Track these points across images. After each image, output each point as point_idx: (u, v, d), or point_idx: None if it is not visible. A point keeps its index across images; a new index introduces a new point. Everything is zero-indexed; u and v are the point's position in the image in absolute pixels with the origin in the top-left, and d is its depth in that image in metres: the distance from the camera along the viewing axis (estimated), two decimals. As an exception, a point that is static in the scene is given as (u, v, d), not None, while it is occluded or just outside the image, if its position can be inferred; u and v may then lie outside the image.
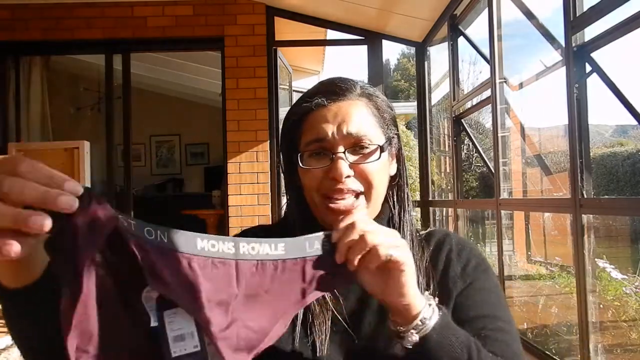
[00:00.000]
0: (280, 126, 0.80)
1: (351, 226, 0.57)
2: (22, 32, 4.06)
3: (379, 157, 0.72)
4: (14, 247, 0.42)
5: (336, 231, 0.58)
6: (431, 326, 0.58)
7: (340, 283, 0.60)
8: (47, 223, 0.42)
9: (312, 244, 0.59)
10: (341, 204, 0.71)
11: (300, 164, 0.73)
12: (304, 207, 0.76)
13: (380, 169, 0.73)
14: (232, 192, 4.05)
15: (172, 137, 7.45)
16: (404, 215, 0.78)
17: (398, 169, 0.80)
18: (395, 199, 0.79)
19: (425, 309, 0.59)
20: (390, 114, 0.78)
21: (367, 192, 0.72)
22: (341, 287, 0.58)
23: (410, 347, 0.59)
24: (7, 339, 2.64)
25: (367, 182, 0.72)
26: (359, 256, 0.56)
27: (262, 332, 0.55)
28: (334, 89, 0.74)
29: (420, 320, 0.58)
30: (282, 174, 0.83)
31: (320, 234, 0.59)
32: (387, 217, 0.79)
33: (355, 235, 0.57)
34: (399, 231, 0.77)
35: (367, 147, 0.71)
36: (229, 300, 0.54)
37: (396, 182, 0.79)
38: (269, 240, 0.57)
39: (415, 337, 0.58)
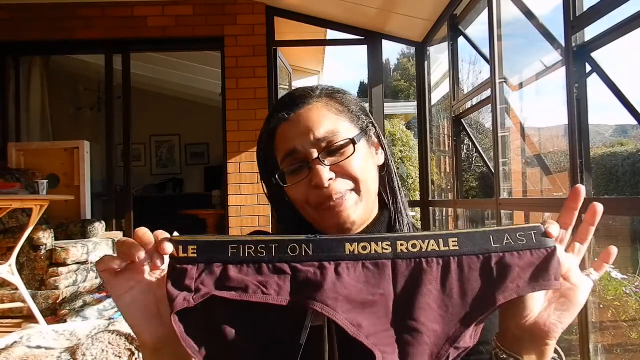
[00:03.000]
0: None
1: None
2: (22, 32, 4.06)
3: (354, 151, 0.69)
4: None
5: (552, 223, 0.53)
6: None
7: (538, 283, 0.51)
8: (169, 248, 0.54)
9: (499, 238, 0.52)
10: (333, 202, 0.68)
11: (282, 183, 0.71)
12: (302, 222, 0.74)
13: (363, 161, 0.71)
14: (232, 192, 4.05)
15: (172, 137, 7.45)
16: (397, 206, 0.75)
17: (385, 157, 0.78)
18: (388, 190, 0.77)
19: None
20: (358, 106, 0.75)
21: (357, 188, 0.70)
22: (538, 289, 0.51)
23: None
24: (7, 339, 2.63)
25: (353, 178, 0.69)
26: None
27: (436, 335, 0.51)
28: (292, 100, 0.73)
29: None
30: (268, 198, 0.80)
31: (513, 227, 0.53)
32: (388, 211, 0.76)
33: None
34: (397, 223, 0.74)
35: (340, 145, 0.69)
36: (382, 302, 0.52)
37: (385, 172, 0.77)
38: (435, 235, 0.53)
39: None
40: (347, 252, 0.53)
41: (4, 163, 3.91)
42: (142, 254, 0.53)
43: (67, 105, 6.26)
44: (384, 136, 0.79)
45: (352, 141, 0.69)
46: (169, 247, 0.53)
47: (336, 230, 0.70)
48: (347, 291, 0.51)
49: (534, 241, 0.52)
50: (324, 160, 0.68)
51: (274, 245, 0.53)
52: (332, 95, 0.74)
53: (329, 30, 4.35)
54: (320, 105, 0.72)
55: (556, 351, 0.57)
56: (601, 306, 3.05)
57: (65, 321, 2.90)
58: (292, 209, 0.75)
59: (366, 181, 0.70)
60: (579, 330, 1.97)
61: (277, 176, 0.71)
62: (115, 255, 0.55)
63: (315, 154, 0.68)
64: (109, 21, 4.08)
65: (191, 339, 0.52)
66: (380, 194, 0.77)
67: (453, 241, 0.53)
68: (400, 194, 0.77)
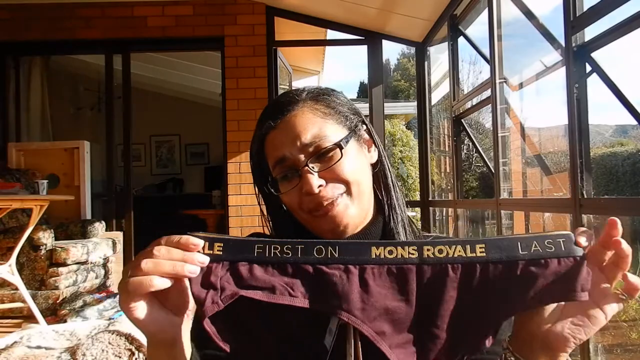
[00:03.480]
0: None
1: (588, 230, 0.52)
2: (22, 32, 4.06)
3: (342, 155, 0.68)
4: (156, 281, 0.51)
5: (583, 232, 0.52)
6: None
7: (564, 293, 0.50)
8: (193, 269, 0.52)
9: (527, 245, 0.51)
10: (325, 210, 0.69)
11: (275, 191, 0.71)
12: (297, 226, 0.75)
13: (353, 162, 0.70)
14: (232, 192, 4.05)
15: (172, 137, 7.45)
16: (390, 202, 0.75)
17: (378, 153, 0.77)
18: (382, 186, 0.76)
19: None
20: (345, 106, 0.75)
21: (348, 190, 0.70)
22: (563, 300, 0.50)
23: None
24: (7, 339, 2.63)
25: (344, 181, 0.69)
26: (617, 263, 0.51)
27: (454, 341, 0.51)
28: (277, 107, 0.72)
29: None
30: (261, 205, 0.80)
31: (542, 234, 0.52)
32: (381, 216, 0.76)
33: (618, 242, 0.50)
34: (391, 219, 0.74)
35: (328, 150, 0.69)
36: (406, 308, 0.52)
37: (378, 169, 0.77)
38: (462, 241, 0.53)
39: None
40: (374, 256, 0.52)
41: (4, 163, 3.91)
42: (186, 268, 0.52)
43: (67, 105, 6.26)
44: (380, 134, 0.79)
45: (339, 145, 0.68)
46: (199, 242, 0.52)
47: (331, 234, 0.70)
48: (373, 299, 0.51)
49: (563, 249, 0.51)
50: (312, 167, 0.68)
51: (300, 246, 0.53)
52: (318, 97, 0.73)
53: (329, 30, 4.35)
54: (306, 110, 0.71)
55: None
56: (601, 306, 3.05)
57: (65, 321, 2.90)
58: (286, 213, 0.75)
59: (358, 182, 0.70)
60: (579, 330, 1.97)
61: (269, 184, 0.71)
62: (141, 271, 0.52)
63: (303, 160, 0.68)
64: (109, 21, 4.08)
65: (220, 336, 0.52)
66: (376, 192, 0.77)
67: (480, 247, 0.52)
68: (394, 189, 0.76)
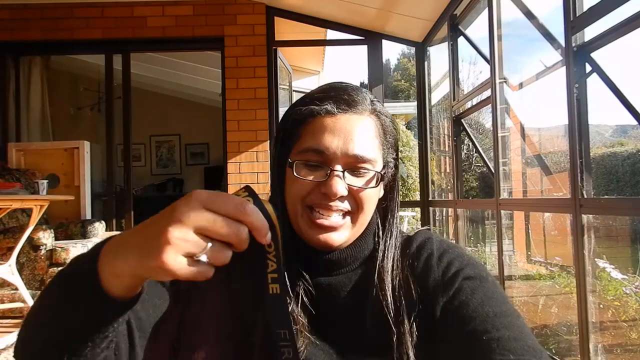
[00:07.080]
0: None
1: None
2: (22, 32, 4.06)
3: (377, 185, 0.68)
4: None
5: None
6: None
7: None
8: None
9: None
10: (328, 221, 0.67)
11: (293, 172, 0.67)
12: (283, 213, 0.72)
13: (374, 194, 0.70)
14: (232, 192, 4.04)
15: (172, 137, 7.45)
16: (389, 238, 0.74)
17: (386, 193, 0.76)
18: (381, 221, 0.76)
19: None
20: (394, 137, 0.74)
21: (355, 214, 0.69)
22: None
23: None
24: (7, 339, 2.63)
25: (359, 205, 0.68)
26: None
27: None
28: (346, 98, 0.68)
29: None
30: (272, 171, 0.77)
31: None
32: (373, 234, 0.75)
33: None
34: (383, 256, 0.72)
35: (367, 171, 0.68)
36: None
37: (385, 205, 0.76)
38: None
39: None
40: None
41: (4, 163, 3.92)
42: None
43: (67, 105, 6.26)
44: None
45: (380, 177, 0.68)
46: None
47: (318, 247, 0.69)
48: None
49: None
50: (345, 176, 0.67)
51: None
52: (380, 115, 0.72)
53: (329, 30, 4.35)
54: (371, 123, 0.70)
55: None
56: (601, 306, 3.05)
57: (65, 321, 2.89)
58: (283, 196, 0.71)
59: (366, 212, 0.70)
60: (579, 330, 1.97)
61: (290, 163, 0.68)
62: None
63: (341, 166, 0.66)
64: (109, 21, 4.08)
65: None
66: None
67: None
68: (392, 229, 0.74)
